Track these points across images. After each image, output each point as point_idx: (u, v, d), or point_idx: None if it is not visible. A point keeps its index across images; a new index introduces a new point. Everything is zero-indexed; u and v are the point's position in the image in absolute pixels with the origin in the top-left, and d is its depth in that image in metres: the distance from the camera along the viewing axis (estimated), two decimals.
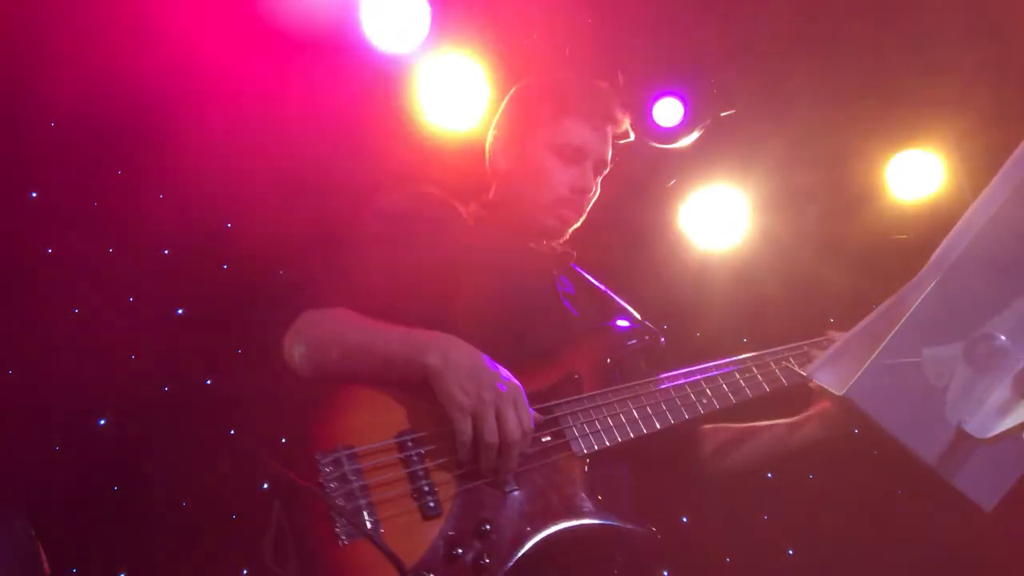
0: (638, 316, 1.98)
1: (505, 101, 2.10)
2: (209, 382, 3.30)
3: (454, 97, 3.20)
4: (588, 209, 1.99)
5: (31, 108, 2.97)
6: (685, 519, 3.67)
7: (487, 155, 2.07)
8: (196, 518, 3.12)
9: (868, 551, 3.40)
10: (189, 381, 3.26)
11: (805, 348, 1.93)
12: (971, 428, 1.29)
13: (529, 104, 2.01)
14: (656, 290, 3.58)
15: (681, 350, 3.30)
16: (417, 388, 1.50)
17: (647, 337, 1.84)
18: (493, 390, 1.45)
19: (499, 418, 1.45)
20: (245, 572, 3.17)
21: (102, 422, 3.04)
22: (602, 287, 2.06)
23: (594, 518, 1.54)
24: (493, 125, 2.09)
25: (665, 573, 1.99)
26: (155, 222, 3.22)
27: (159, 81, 3.01)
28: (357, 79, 3.23)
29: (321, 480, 1.38)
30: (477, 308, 1.68)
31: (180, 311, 3.29)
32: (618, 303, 2.01)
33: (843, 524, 3.42)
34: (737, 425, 1.96)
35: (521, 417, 1.47)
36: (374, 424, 1.48)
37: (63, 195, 3.08)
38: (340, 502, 1.36)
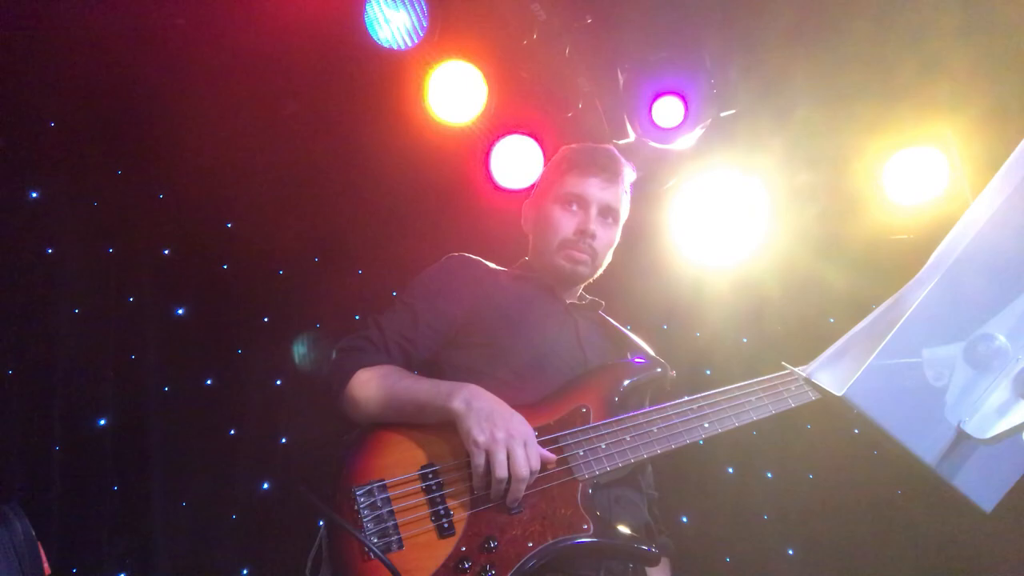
0: (651, 353, 2.13)
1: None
2: (209, 382, 3.31)
3: (453, 96, 3.20)
4: (604, 255, 2.18)
5: (31, 108, 2.97)
6: (685, 519, 3.67)
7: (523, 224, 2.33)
8: (196, 518, 3.13)
9: (868, 551, 3.40)
10: (189, 381, 3.26)
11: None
12: (971, 428, 1.29)
13: (544, 172, 2.31)
14: (656, 290, 3.58)
15: (681, 350, 3.32)
16: (438, 430, 1.77)
17: (656, 371, 1.99)
18: (506, 431, 1.69)
19: (509, 456, 1.67)
20: (245, 572, 3.17)
21: (102, 422, 3.04)
22: (623, 329, 2.23)
23: (590, 535, 1.70)
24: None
25: None
26: (155, 222, 3.22)
27: (159, 81, 3.01)
28: (357, 78, 3.23)
29: (356, 507, 1.67)
30: (505, 355, 1.95)
31: (180, 311, 3.29)
32: (633, 342, 2.17)
33: (843, 524, 3.42)
34: None
35: (530, 456, 1.69)
36: (401, 461, 1.76)
37: (63, 195, 3.08)
38: (371, 525, 1.66)
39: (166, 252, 3.30)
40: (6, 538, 1.96)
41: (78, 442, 2.97)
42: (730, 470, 3.75)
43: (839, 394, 1.23)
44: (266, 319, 3.45)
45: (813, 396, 1.90)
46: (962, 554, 3.08)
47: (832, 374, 1.33)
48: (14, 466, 2.78)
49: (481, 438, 1.68)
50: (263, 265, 3.40)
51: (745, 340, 3.60)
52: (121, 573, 2.98)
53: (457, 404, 1.73)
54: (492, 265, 2.17)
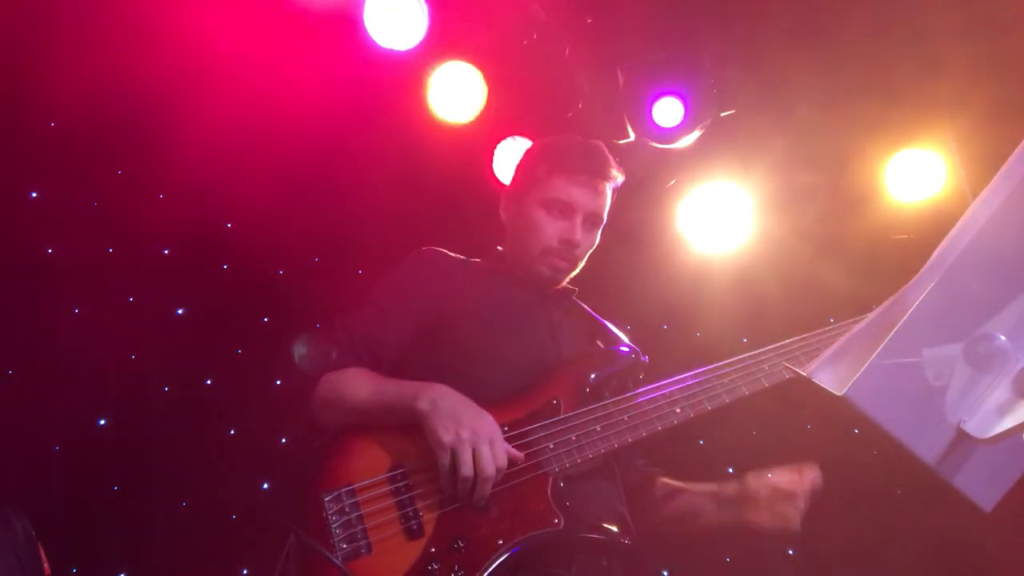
0: (625, 339, 2.10)
1: (517, 162, 2.27)
2: (209, 382, 3.31)
3: (453, 96, 3.20)
4: (583, 259, 2.11)
5: (31, 108, 2.97)
6: None
7: (501, 210, 2.23)
8: (196, 518, 3.13)
9: (868, 551, 3.40)
10: (189, 381, 3.26)
11: (784, 350, 1.95)
12: (971, 428, 1.29)
13: (529, 164, 2.16)
14: (656, 290, 3.58)
15: (681, 350, 3.32)
16: (407, 431, 1.74)
17: (631, 359, 1.96)
18: (471, 430, 1.67)
19: (475, 454, 1.65)
20: (245, 572, 3.17)
21: (102, 422, 3.04)
22: (597, 317, 2.18)
23: (560, 528, 1.68)
24: (506, 184, 2.27)
25: (665, 573, 2.01)
26: (155, 222, 3.22)
27: (159, 81, 3.01)
28: (357, 78, 3.23)
29: (325, 515, 1.66)
30: (477, 351, 1.91)
31: (180, 311, 3.29)
32: (606, 330, 2.13)
33: (843, 524, 3.42)
34: (677, 484, 2.05)
35: (496, 454, 1.67)
36: (370, 465, 1.75)
37: (63, 195, 3.08)
38: (339, 531, 1.65)
39: (166, 252, 3.30)
40: (6, 538, 1.96)
41: (78, 442, 2.97)
42: (730, 470, 3.75)
43: (839, 393, 1.23)
44: (266, 319, 3.45)
45: (788, 375, 1.87)
46: (962, 554, 3.08)
47: (832, 374, 1.33)
48: (14, 466, 2.78)
49: (446, 438, 1.66)
50: (263, 265, 3.40)
51: (745, 340, 3.60)
52: (121, 573, 2.98)
53: (422, 404, 1.70)
54: (463, 257, 2.12)
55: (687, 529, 2.01)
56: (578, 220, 2.02)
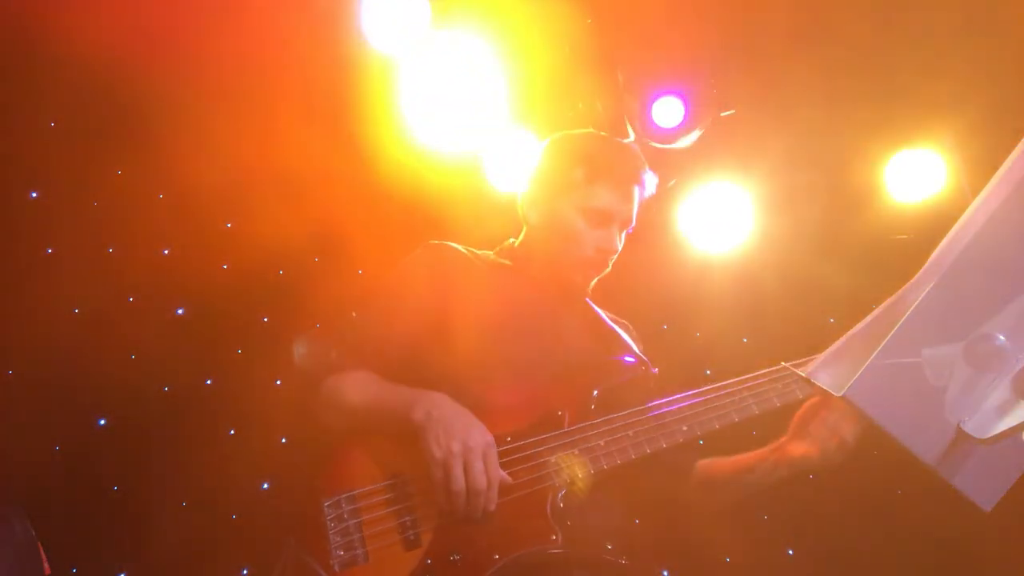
0: (636, 349, 2.05)
1: (540, 154, 2.16)
2: (209, 382, 3.31)
3: (454, 96, 3.20)
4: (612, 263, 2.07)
5: (31, 108, 2.97)
6: None
7: (519, 204, 2.15)
8: (196, 518, 3.13)
9: (868, 551, 3.40)
10: (189, 381, 3.26)
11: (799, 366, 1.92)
12: (971, 428, 1.29)
13: (563, 165, 2.07)
14: (656, 290, 3.58)
15: (681, 350, 3.32)
16: (410, 439, 1.70)
17: (639, 370, 1.93)
18: (462, 443, 1.63)
19: (466, 469, 1.62)
20: (245, 572, 3.17)
21: (102, 422, 3.04)
22: (608, 322, 2.12)
23: (558, 545, 1.65)
24: (528, 177, 2.15)
25: (665, 573, 2.00)
26: (155, 222, 3.22)
27: (159, 81, 3.01)
28: (357, 78, 3.23)
29: (324, 522, 1.66)
30: (482, 355, 1.87)
31: (180, 311, 3.29)
32: (618, 337, 2.08)
33: (843, 524, 3.42)
34: (724, 460, 2.03)
35: (489, 470, 1.63)
36: (371, 472, 1.75)
37: (63, 195, 3.08)
38: (337, 539, 1.65)
39: (166, 252, 3.30)
40: (6, 538, 1.96)
41: (78, 442, 2.97)
42: None
43: (839, 394, 1.23)
44: (266, 319, 3.45)
45: (801, 395, 1.85)
46: (962, 554, 3.08)
47: (832, 374, 1.33)
48: (14, 467, 2.78)
49: (437, 452, 1.63)
50: (263, 265, 3.40)
51: (745, 340, 3.60)
52: (121, 573, 2.98)
53: (416, 415, 1.68)
54: (473, 251, 2.07)
55: (744, 490, 2.01)
56: (615, 228, 2.00)
